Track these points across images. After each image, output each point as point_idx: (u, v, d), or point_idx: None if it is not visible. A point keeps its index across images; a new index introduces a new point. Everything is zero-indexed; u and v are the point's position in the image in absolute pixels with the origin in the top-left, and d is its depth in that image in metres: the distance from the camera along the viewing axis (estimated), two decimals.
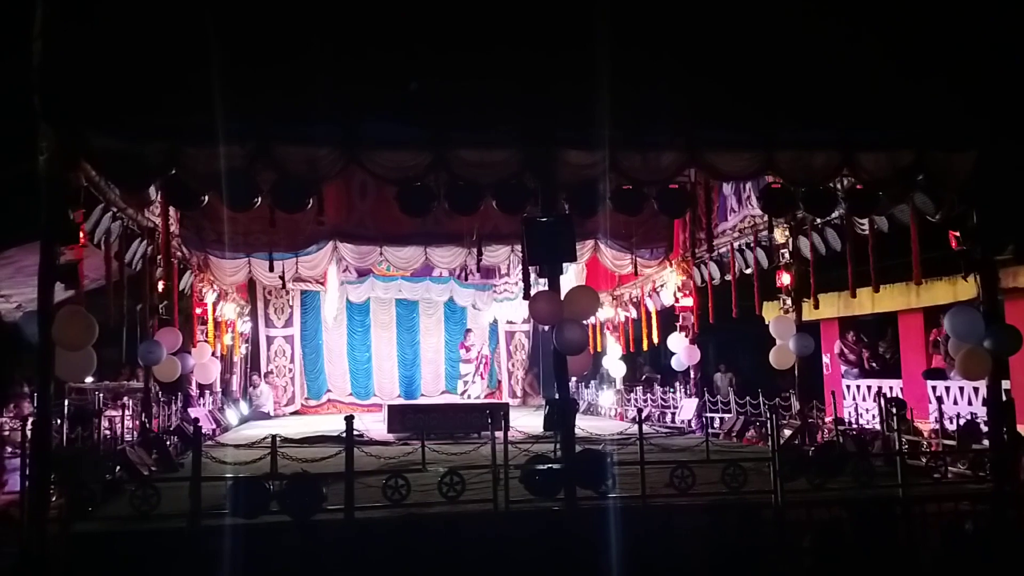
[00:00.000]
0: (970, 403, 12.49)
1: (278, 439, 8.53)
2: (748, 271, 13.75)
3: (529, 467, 8.38)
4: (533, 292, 9.21)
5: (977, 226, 9.20)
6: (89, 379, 12.53)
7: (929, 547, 8.22)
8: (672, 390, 17.18)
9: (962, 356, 9.11)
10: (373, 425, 15.76)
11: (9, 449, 8.75)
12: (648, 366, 21.94)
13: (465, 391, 20.44)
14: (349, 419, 8.30)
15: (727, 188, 13.75)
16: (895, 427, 9.29)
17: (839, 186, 9.53)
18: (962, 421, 10.18)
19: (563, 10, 8.52)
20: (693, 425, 15.33)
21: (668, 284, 16.47)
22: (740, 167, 9.18)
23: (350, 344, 22.76)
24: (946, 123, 8.98)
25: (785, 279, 13.19)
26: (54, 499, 7.52)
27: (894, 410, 9.90)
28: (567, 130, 8.60)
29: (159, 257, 12.25)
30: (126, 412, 11.10)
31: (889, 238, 10.92)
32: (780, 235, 12.99)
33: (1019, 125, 8.99)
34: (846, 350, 17.04)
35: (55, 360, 7.64)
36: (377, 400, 21.67)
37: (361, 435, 11.88)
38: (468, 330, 22.16)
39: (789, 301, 13.20)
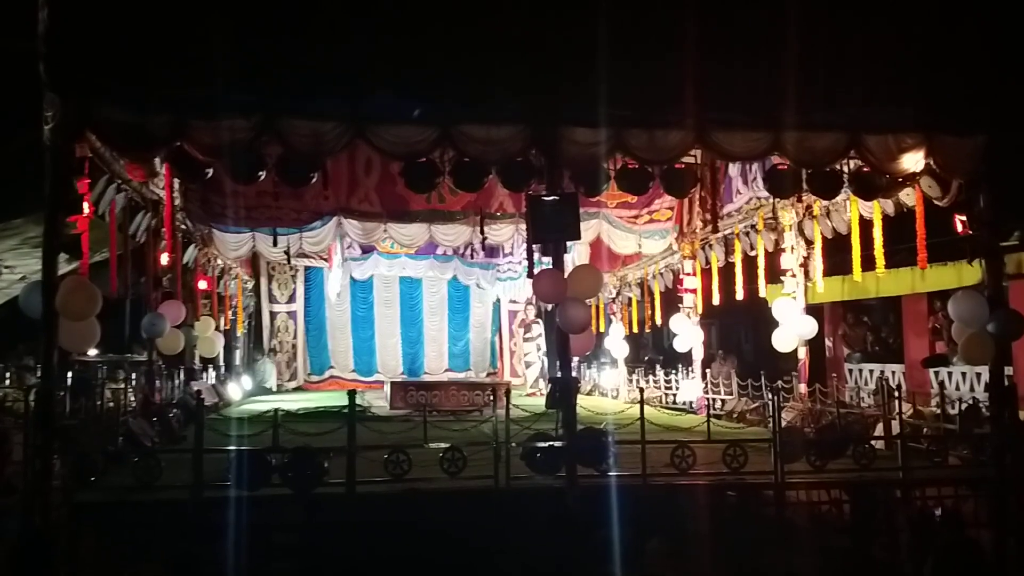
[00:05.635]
0: (972, 388, 12.48)
1: (280, 413, 8.56)
2: (753, 253, 13.70)
3: (530, 444, 8.39)
4: (537, 271, 9.19)
5: (984, 211, 9.16)
6: (93, 351, 12.54)
7: (927, 528, 8.25)
8: (674, 371, 17.18)
9: (965, 341, 9.10)
10: (376, 401, 15.79)
11: (12, 420, 8.79)
12: (651, 347, 21.89)
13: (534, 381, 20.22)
14: (351, 394, 8.32)
15: (733, 169, 13.61)
16: (897, 411, 9.30)
17: (845, 168, 9.49)
18: (963, 406, 10.18)
19: None
20: (695, 406, 15.33)
21: (673, 265, 16.44)
22: (747, 148, 9.11)
23: (353, 321, 22.71)
24: (955, 108, 8.92)
25: (789, 261, 13.13)
26: (56, 469, 7.56)
27: (896, 394, 9.92)
28: (573, 107, 8.54)
29: (163, 230, 12.23)
30: (128, 384, 11.12)
31: (894, 222, 10.87)
32: (786, 217, 12.94)
33: None
34: (849, 333, 17.01)
35: (58, 331, 7.66)
36: (380, 377, 21.71)
37: (363, 410, 11.89)
38: (528, 301, 21.69)
39: (793, 283, 13.15)
